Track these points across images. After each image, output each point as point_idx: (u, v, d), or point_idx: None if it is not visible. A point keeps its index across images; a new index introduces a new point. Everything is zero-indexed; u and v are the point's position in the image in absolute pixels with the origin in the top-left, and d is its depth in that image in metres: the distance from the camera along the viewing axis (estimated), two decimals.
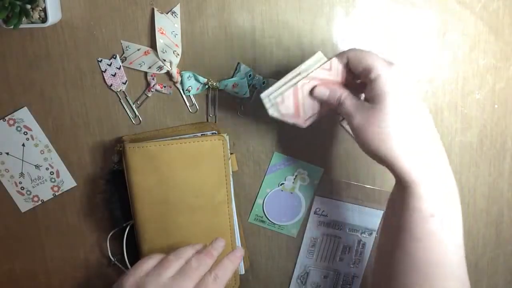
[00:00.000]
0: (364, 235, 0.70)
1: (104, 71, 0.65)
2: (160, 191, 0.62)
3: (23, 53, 0.64)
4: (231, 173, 0.65)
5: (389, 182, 0.69)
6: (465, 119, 0.68)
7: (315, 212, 0.69)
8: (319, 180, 0.68)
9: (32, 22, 0.59)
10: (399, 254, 0.50)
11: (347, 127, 0.65)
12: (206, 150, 0.63)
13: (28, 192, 0.68)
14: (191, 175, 0.63)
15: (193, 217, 0.64)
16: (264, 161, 0.68)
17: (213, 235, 0.65)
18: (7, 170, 0.67)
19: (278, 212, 0.69)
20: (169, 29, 0.64)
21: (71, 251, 0.69)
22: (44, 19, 0.58)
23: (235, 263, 0.56)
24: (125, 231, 0.66)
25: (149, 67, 0.64)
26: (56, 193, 0.68)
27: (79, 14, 0.63)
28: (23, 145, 0.66)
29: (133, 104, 0.66)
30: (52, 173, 0.67)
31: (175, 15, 0.63)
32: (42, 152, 0.67)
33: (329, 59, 0.52)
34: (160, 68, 0.64)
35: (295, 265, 0.71)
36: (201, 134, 0.64)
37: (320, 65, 0.52)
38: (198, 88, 0.66)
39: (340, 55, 0.52)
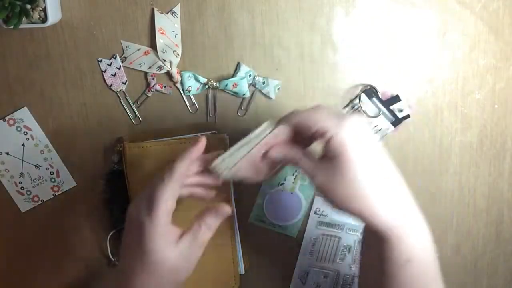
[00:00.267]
0: None
1: (104, 71, 0.65)
2: None
3: (23, 53, 0.64)
4: None
5: None
6: (465, 119, 0.68)
7: (315, 212, 0.69)
8: None
9: (32, 22, 0.58)
10: None
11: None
12: (206, 150, 0.62)
13: (28, 192, 0.68)
14: None
15: (192, 216, 0.63)
16: None
17: (213, 235, 0.65)
18: (7, 170, 0.67)
19: (278, 212, 0.69)
20: (169, 29, 0.64)
21: (71, 251, 0.69)
22: (44, 19, 0.58)
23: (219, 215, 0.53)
24: None
25: (149, 67, 0.64)
26: (56, 193, 0.68)
27: (79, 14, 0.63)
28: (23, 145, 0.66)
29: (133, 104, 0.66)
30: (52, 173, 0.67)
31: (175, 15, 0.63)
32: (42, 152, 0.67)
33: (276, 126, 0.51)
34: (160, 68, 0.64)
35: (295, 265, 0.71)
36: (201, 134, 0.64)
37: (269, 133, 0.51)
38: (198, 88, 0.66)
39: (286, 122, 0.50)
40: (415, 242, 0.48)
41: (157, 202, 0.48)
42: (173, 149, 0.62)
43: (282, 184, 0.69)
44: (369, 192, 0.47)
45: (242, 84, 0.64)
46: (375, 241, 0.48)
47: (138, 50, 0.64)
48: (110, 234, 0.68)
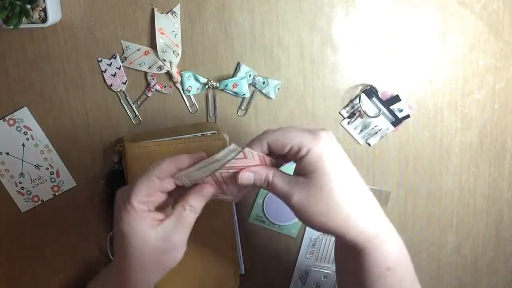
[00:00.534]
0: None
1: (104, 71, 0.65)
2: None
3: (23, 53, 0.64)
4: None
5: (389, 182, 0.69)
6: (465, 119, 0.68)
7: None
8: None
9: (32, 22, 0.58)
10: None
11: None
12: (206, 150, 0.62)
13: (28, 192, 0.68)
14: None
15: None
16: None
17: (213, 235, 0.65)
18: (7, 170, 0.67)
19: (278, 212, 0.69)
20: (169, 29, 0.64)
21: (71, 251, 0.69)
22: (44, 19, 0.58)
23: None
24: None
25: (149, 67, 0.64)
26: (56, 193, 0.68)
27: (79, 14, 0.63)
28: (23, 145, 0.66)
29: (133, 104, 0.66)
30: (52, 173, 0.67)
31: (175, 15, 0.63)
32: (42, 152, 0.67)
33: (242, 149, 0.49)
34: (160, 68, 0.64)
35: (295, 265, 0.71)
36: (201, 134, 0.64)
37: (234, 156, 0.49)
38: (198, 88, 0.66)
39: (257, 143, 0.49)
40: (393, 250, 0.48)
41: (132, 191, 0.49)
42: (173, 149, 0.62)
43: None
44: (346, 205, 0.46)
45: (242, 84, 0.64)
46: (353, 253, 0.49)
47: (138, 50, 0.64)
48: (110, 234, 0.68)
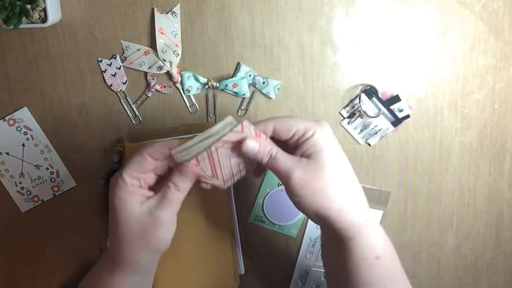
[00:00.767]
0: None
1: (104, 71, 0.65)
2: None
3: (23, 53, 0.64)
4: None
5: (389, 182, 0.69)
6: (465, 119, 0.68)
7: None
8: None
9: (32, 22, 0.59)
10: None
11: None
12: None
13: (28, 192, 0.68)
14: None
15: (192, 216, 0.64)
16: None
17: (213, 235, 0.65)
18: (7, 170, 0.67)
19: (278, 212, 0.69)
20: (169, 29, 0.64)
21: (71, 251, 0.69)
22: (44, 19, 0.58)
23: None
24: None
25: (149, 67, 0.64)
26: (56, 193, 0.68)
27: (79, 14, 0.63)
28: (23, 145, 0.66)
29: (133, 104, 0.66)
30: (52, 173, 0.67)
31: (175, 15, 0.63)
32: (42, 152, 0.67)
33: (239, 122, 0.49)
34: (160, 68, 0.64)
35: (295, 265, 0.71)
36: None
37: (231, 129, 0.49)
38: (198, 88, 0.66)
39: (262, 124, 0.51)
40: (380, 238, 0.50)
41: (124, 166, 0.51)
42: None
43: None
44: (341, 189, 0.49)
45: (242, 84, 0.64)
46: (341, 245, 0.49)
47: (138, 50, 0.64)
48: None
